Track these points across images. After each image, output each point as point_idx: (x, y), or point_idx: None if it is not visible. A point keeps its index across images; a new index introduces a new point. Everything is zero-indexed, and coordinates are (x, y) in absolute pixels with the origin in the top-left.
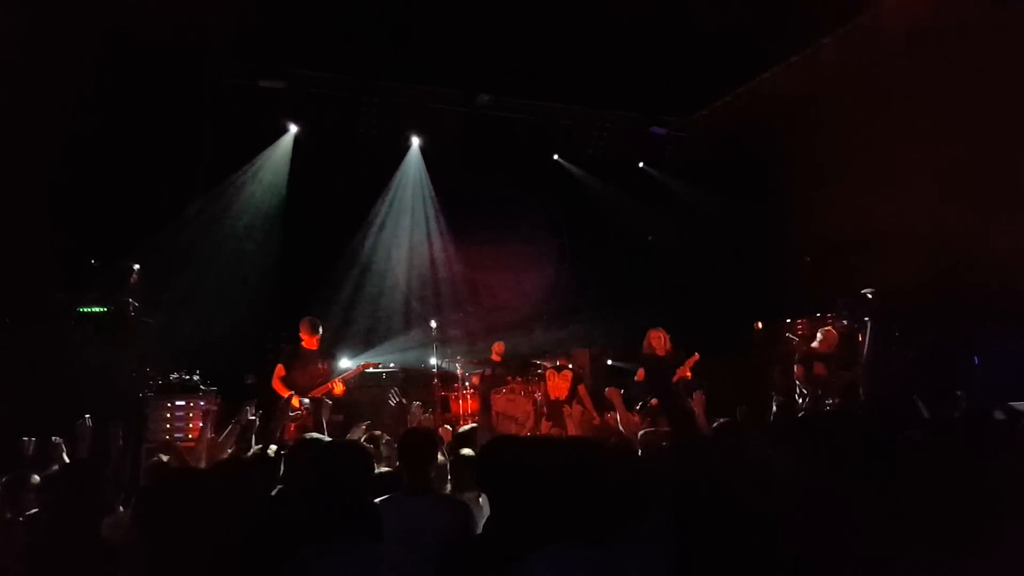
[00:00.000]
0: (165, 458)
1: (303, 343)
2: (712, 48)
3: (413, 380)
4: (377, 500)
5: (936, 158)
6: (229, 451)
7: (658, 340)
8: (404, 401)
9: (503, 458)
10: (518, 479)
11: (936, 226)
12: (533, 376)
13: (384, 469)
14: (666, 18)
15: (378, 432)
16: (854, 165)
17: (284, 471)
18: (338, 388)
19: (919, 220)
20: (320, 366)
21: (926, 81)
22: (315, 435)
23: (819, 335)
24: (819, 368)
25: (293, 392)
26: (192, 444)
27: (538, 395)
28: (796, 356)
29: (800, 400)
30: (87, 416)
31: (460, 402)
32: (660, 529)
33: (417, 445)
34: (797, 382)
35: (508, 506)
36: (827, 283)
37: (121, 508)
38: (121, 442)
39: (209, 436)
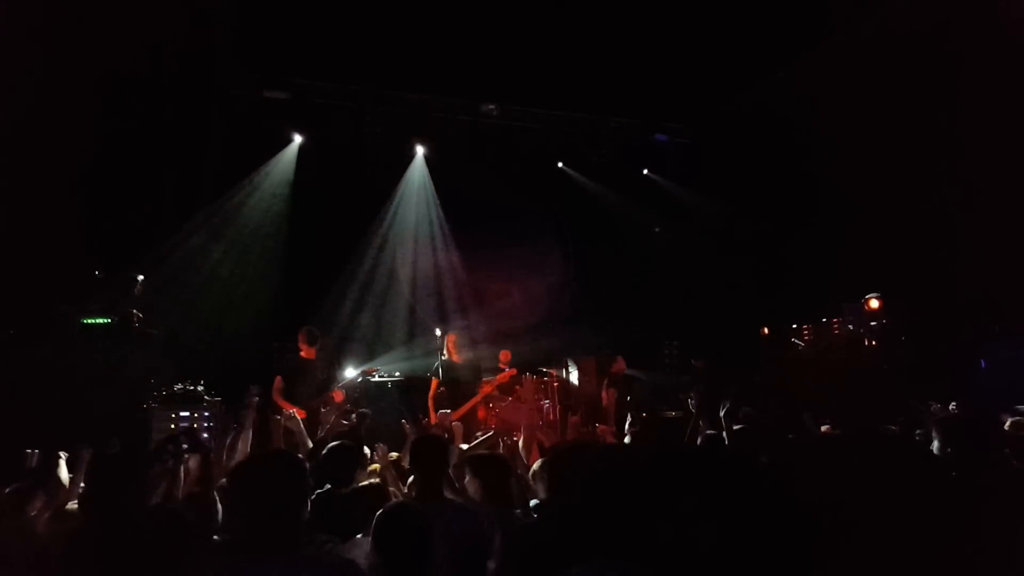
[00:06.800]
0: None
1: (301, 353)
2: (715, 55)
3: (417, 388)
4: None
5: (942, 163)
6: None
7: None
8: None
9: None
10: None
11: (943, 231)
12: (540, 384)
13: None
14: (668, 26)
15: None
16: (859, 169)
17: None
18: (338, 396)
19: (925, 225)
20: (319, 376)
21: (931, 87)
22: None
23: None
24: None
25: (292, 403)
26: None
27: (546, 403)
28: None
29: None
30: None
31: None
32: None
33: (429, 451)
34: None
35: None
36: (832, 289)
37: None
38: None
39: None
